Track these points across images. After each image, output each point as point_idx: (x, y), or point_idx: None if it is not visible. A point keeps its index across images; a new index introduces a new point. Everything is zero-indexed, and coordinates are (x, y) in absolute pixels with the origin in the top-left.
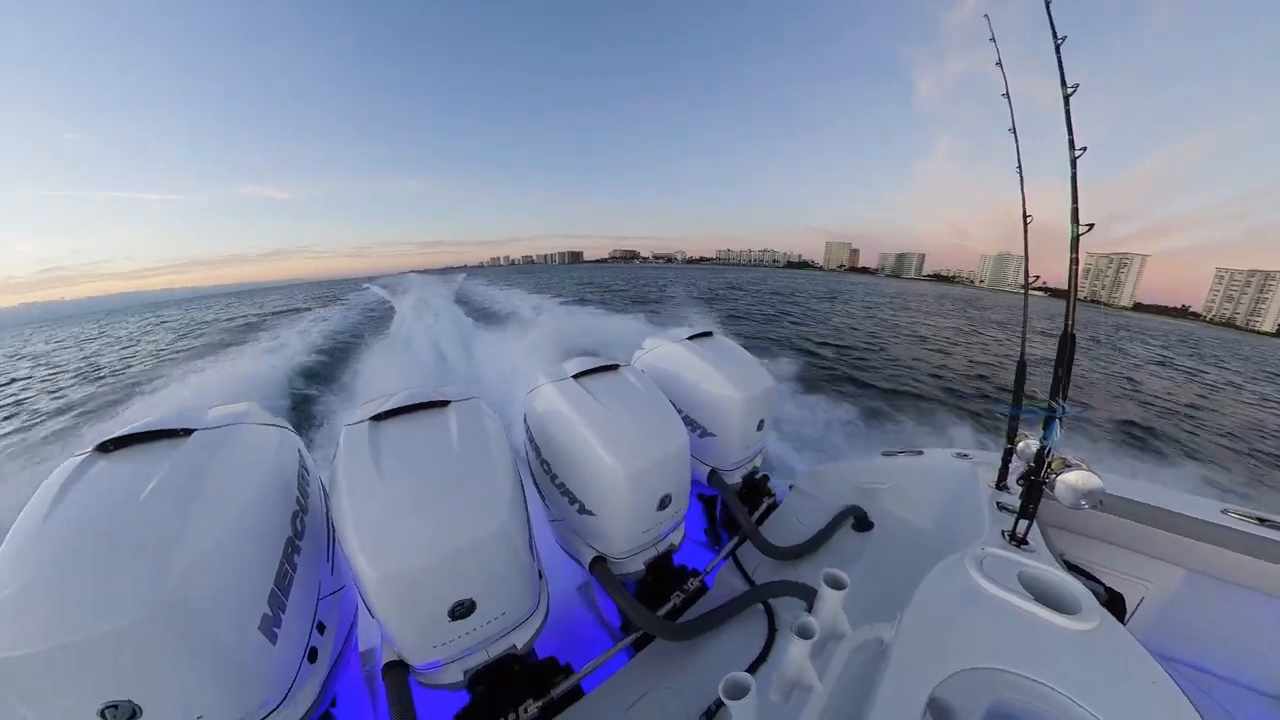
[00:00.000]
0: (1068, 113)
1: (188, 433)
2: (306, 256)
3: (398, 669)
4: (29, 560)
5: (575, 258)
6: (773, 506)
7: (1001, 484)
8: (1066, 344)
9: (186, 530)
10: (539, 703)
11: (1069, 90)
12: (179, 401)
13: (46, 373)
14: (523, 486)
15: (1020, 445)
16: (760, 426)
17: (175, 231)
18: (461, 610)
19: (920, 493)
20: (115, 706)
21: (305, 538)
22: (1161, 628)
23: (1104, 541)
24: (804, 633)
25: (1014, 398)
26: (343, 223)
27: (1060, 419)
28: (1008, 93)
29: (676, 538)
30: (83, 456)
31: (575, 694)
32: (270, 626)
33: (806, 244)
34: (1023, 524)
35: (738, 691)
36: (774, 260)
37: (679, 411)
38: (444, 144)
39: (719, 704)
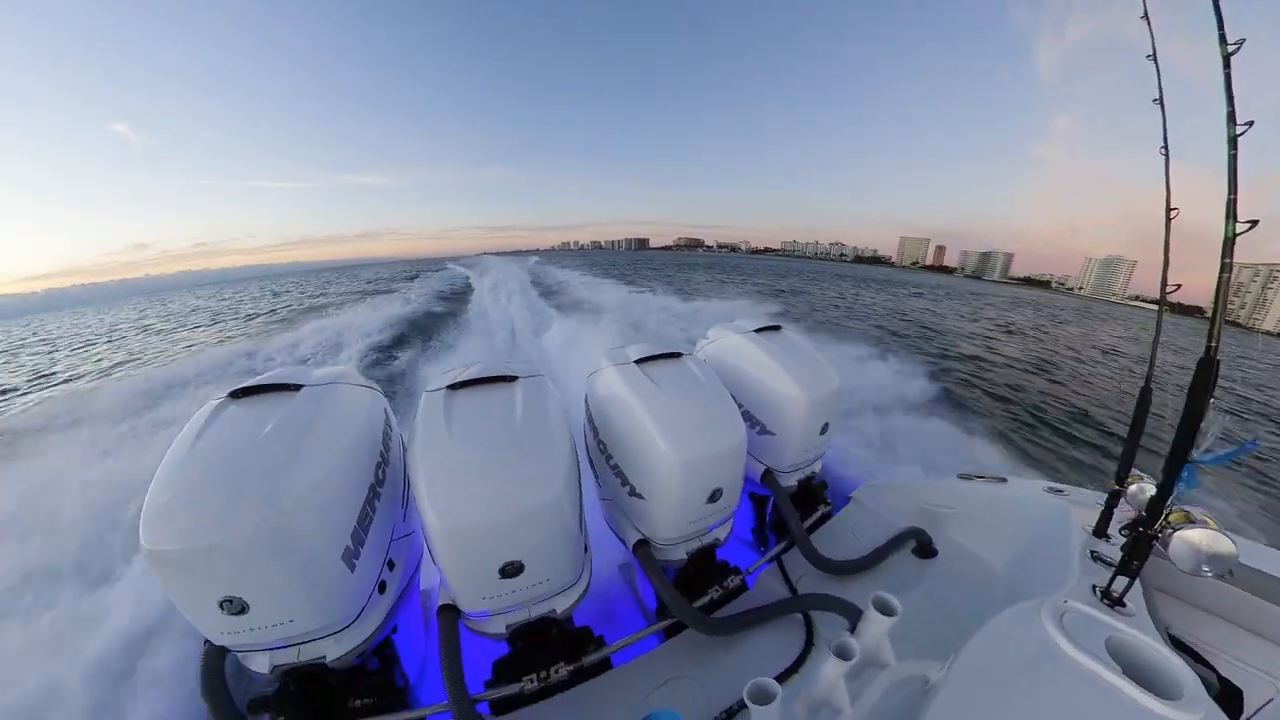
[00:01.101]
0: (1227, 77)
1: (298, 388)
2: (393, 238)
3: (450, 611)
4: (176, 480)
5: (641, 244)
6: (827, 516)
7: (1101, 532)
8: (1208, 370)
9: (292, 468)
10: (570, 667)
11: (1230, 48)
12: (293, 360)
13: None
14: (578, 463)
15: (1132, 489)
16: (824, 430)
17: (288, 214)
18: (510, 569)
19: (998, 525)
20: (230, 601)
21: (385, 486)
22: None
23: (1226, 620)
24: (842, 653)
25: (1130, 430)
26: (425, 207)
27: (1192, 462)
28: (1154, 54)
29: (722, 533)
30: (219, 400)
31: (604, 665)
32: (350, 557)
33: (884, 238)
34: (1121, 581)
35: (763, 697)
36: (841, 254)
37: (739, 406)
38: (521, 132)
39: (741, 705)
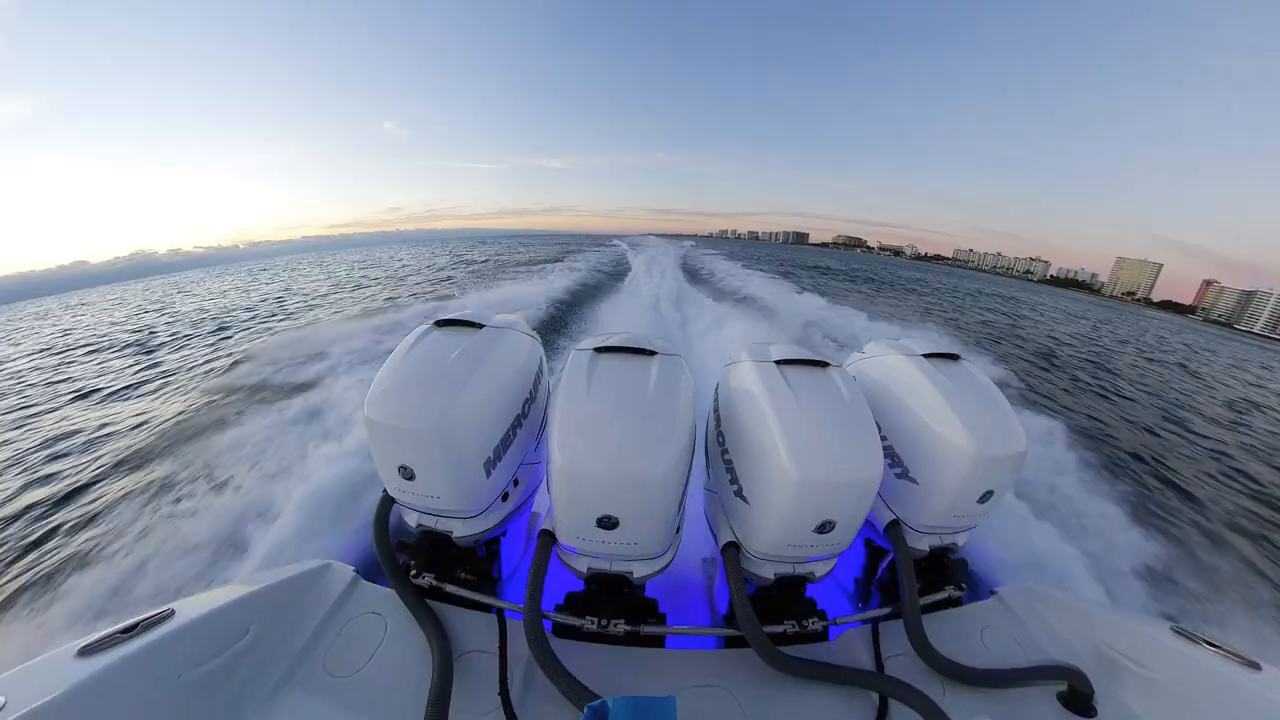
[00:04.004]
0: None
1: (481, 326)
2: (571, 214)
3: (547, 537)
4: (392, 376)
5: (800, 239)
6: (954, 602)
7: None
8: None
9: (465, 387)
10: (627, 627)
11: None
12: (480, 305)
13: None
14: (694, 447)
15: None
16: (985, 498)
17: (487, 189)
18: (607, 522)
19: None
20: (404, 468)
21: (527, 419)
22: None
23: None
24: None
25: None
26: (598, 188)
27: None
28: None
29: (820, 569)
30: (427, 326)
31: (657, 641)
32: (489, 466)
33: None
34: None
35: None
36: (1027, 271)
37: (882, 438)
38: (687, 118)
39: None
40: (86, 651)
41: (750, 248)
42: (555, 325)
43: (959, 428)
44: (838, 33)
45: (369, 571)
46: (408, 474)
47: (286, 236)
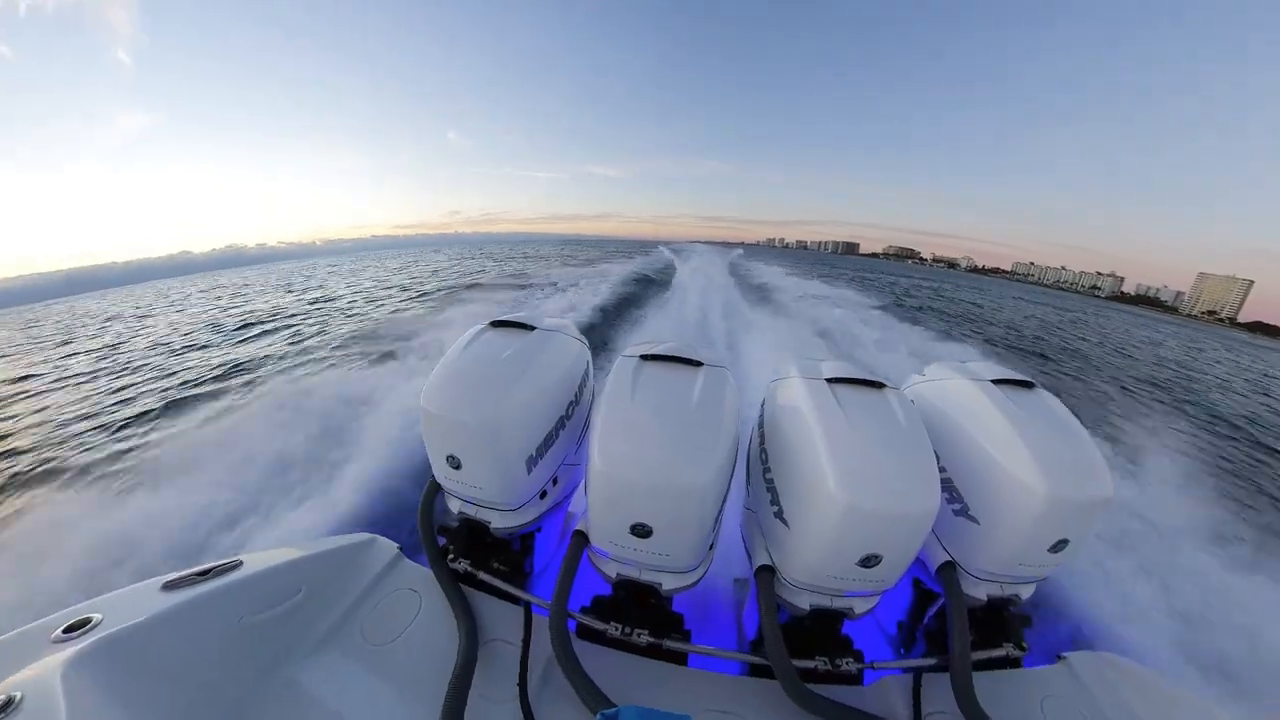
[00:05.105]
0: None
1: (533, 329)
2: (621, 220)
3: (580, 538)
4: (448, 370)
5: (849, 249)
6: (1012, 662)
7: None
8: None
9: (514, 385)
10: (651, 639)
11: None
12: (533, 308)
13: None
14: (735, 463)
15: None
16: (1058, 547)
17: (543, 195)
18: (640, 530)
19: None
20: (452, 458)
21: (571, 420)
22: None
23: None
24: None
25: None
26: (648, 194)
27: None
28: None
29: (860, 606)
30: (482, 326)
31: (679, 657)
32: (531, 463)
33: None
34: None
35: None
36: (1094, 287)
37: (940, 470)
38: (735, 125)
39: None
40: (169, 586)
41: (787, 257)
42: (603, 330)
43: (1030, 464)
44: (888, 34)
45: (410, 550)
46: (455, 463)
47: (357, 235)
